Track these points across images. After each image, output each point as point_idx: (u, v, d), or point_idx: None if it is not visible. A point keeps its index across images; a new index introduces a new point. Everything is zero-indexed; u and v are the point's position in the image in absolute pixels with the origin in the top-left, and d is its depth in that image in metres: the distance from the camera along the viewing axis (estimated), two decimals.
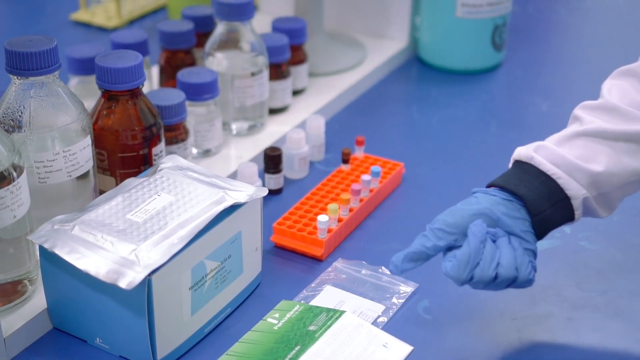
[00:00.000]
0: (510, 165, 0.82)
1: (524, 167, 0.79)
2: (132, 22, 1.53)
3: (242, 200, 0.82)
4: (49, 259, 0.77)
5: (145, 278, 0.73)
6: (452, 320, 0.84)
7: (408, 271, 0.78)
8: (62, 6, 1.58)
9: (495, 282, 0.75)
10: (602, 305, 0.86)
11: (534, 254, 0.78)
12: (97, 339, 0.79)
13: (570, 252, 0.94)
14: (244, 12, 1.07)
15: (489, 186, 0.80)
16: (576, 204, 0.78)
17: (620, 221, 0.99)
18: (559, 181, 0.77)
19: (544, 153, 0.79)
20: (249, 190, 0.84)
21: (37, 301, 0.82)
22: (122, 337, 0.78)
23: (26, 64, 0.80)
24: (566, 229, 0.98)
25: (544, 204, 0.77)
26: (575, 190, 0.77)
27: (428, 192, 1.05)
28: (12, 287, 0.81)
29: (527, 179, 0.78)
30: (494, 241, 0.75)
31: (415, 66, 1.38)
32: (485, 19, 1.31)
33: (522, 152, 0.80)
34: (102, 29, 1.49)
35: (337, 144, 1.13)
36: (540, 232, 0.78)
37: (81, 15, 1.53)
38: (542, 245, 0.95)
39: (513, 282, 0.76)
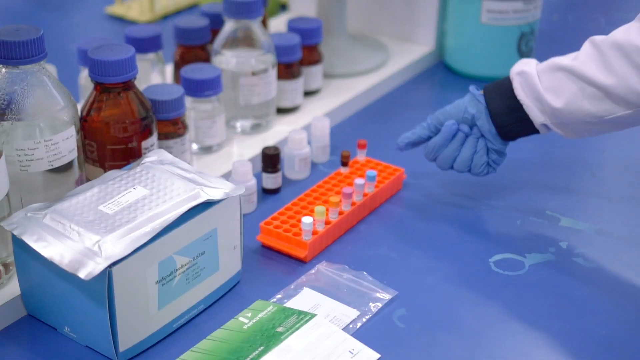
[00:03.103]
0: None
1: (507, 85, 0.94)
2: (165, 18, 1.54)
3: (217, 198, 0.82)
4: (21, 246, 0.78)
5: (105, 269, 0.73)
6: (425, 331, 0.83)
7: (409, 149, 1.01)
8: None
9: (454, 169, 0.98)
10: (586, 325, 0.83)
11: (499, 153, 0.97)
12: (66, 327, 0.80)
13: (561, 269, 0.91)
14: (253, 10, 1.07)
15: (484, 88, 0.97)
16: (537, 124, 0.93)
17: (620, 238, 0.96)
18: (524, 106, 0.92)
19: (523, 79, 0.92)
20: (226, 188, 0.83)
21: (13, 286, 0.84)
22: (87, 327, 0.78)
23: (11, 53, 0.81)
24: (562, 244, 0.95)
25: (509, 119, 0.94)
26: (535, 115, 0.92)
27: (427, 200, 1.03)
28: None
29: (505, 95, 0.94)
30: (466, 136, 0.97)
31: (440, 72, 1.36)
32: (511, 26, 1.29)
33: (514, 69, 0.94)
34: (135, 24, 1.50)
35: (346, 147, 1.12)
36: (509, 137, 0.96)
37: (116, 9, 1.56)
38: (534, 259, 0.92)
39: (469, 171, 0.98)
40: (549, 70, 0.91)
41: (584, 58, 0.89)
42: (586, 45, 0.90)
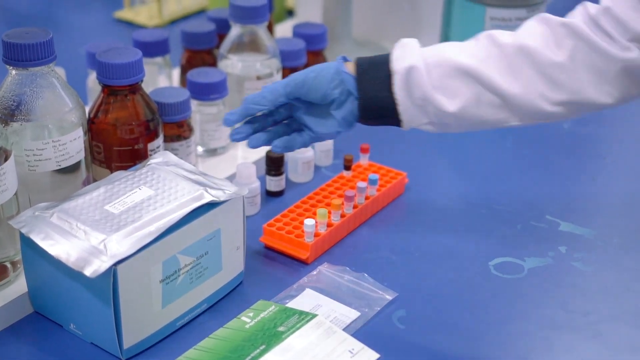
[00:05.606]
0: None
1: (384, 74, 0.83)
2: (173, 22, 1.56)
3: (221, 199, 0.83)
4: (29, 244, 0.80)
5: (111, 268, 0.74)
6: (425, 332, 0.84)
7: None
8: (108, 4, 1.63)
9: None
10: (581, 327, 0.85)
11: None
12: (72, 324, 0.82)
13: (561, 272, 0.92)
14: (258, 15, 1.09)
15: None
16: (407, 124, 0.84)
17: (619, 243, 0.97)
18: (399, 107, 0.82)
19: (406, 78, 0.81)
20: (229, 189, 0.85)
21: (20, 284, 0.85)
22: (92, 324, 0.80)
23: (21, 55, 0.83)
24: (562, 248, 0.96)
25: (375, 114, 0.84)
26: (410, 119, 0.83)
27: (429, 204, 1.05)
28: None
29: (379, 87, 0.83)
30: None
31: None
32: None
33: (398, 62, 0.83)
34: (143, 28, 1.52)
35: (349, 151, 1.13)
36: (365, 122, 0.85)
37: (125, 13, 1.57)
38: (533, 263, 0.94)
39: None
40: (440, 67, 0.80)
41: (483, 56, 0.79)
42: (484, 41, 0.80)
